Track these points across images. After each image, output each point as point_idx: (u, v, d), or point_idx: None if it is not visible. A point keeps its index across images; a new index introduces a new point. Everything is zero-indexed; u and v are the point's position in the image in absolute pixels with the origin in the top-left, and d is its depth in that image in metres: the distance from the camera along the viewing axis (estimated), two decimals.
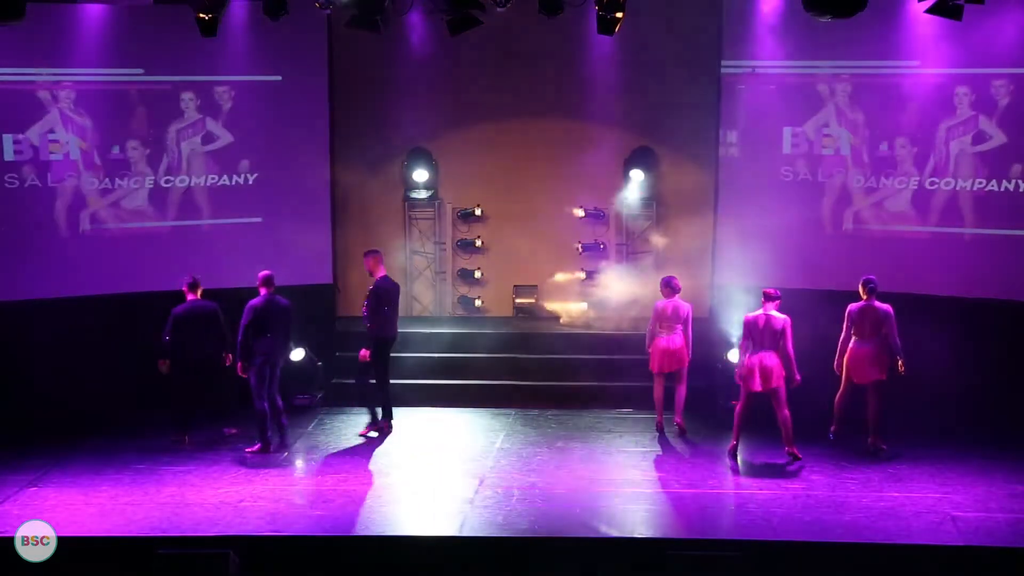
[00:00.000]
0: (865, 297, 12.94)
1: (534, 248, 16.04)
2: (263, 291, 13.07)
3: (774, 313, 12.64)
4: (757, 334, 12.64)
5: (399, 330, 14.00)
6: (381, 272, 13.74)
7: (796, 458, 12.63)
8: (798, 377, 12.62)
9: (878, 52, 14.23)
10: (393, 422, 13.80)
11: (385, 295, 13.68)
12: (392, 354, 13.93)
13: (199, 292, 13.48)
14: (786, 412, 12.63)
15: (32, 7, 12.39)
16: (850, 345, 13.00)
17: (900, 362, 12.75)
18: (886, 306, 12.90)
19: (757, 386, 12.59)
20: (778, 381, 12.57)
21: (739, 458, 12.79)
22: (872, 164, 14.45)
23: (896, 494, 11.77)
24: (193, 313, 13.34)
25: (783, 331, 12.56)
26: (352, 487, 12.03)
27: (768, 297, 12.73)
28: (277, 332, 13.04)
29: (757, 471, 12.48)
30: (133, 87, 14.49)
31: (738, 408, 12.82)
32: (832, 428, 13.19)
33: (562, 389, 15.20)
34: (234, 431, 13.53)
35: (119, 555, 10.52)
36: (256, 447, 13.01)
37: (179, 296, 13.68)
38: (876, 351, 12.89)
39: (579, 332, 15.86)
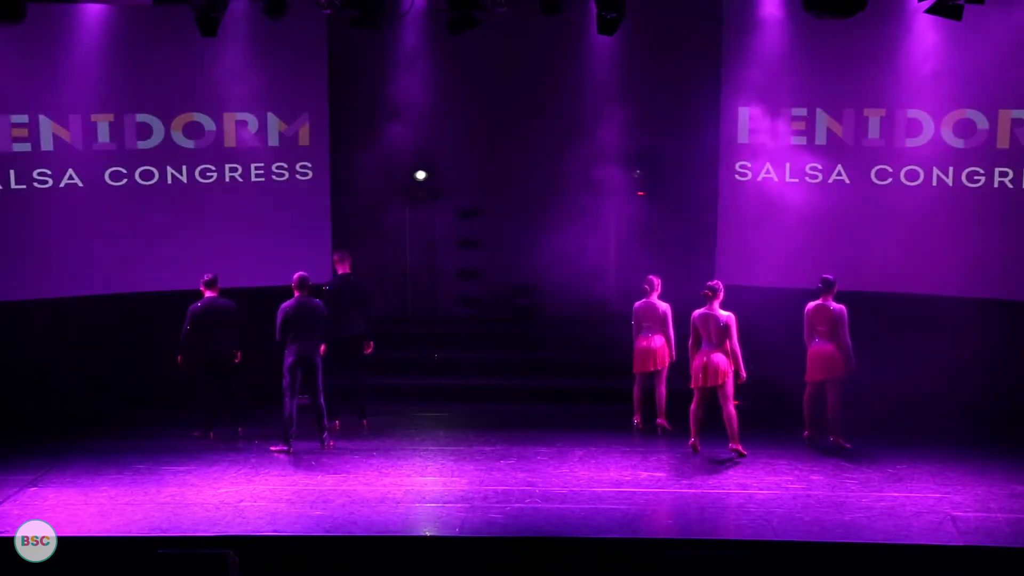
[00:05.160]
0: (820, 296, 13.04)
1: (534, 247, 16.01)
2: (296, 293, 13.16)
3: (718, 310, 12.74)
4: (703, 331, 12.77)
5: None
6: (339, 270, 13.93)
7: (741, 455, 12.72)
8: (744, 374, 12.78)
9: (878, 53, 14.21)
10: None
11: (333, 294, 13.70)
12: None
13: (217, 289, 13.62)
14: (731, 409, 12.75)
15: (32, 7, 12.40)
16: (812, 344, 13.14)
17: (850, 362, 12.94)
18: (840, 306, 13.04)
19: (700, 381, 12.76)
20: (723, 378, 12.67)
21: (700, 452, 12.93)
22: (873, 163, 14.43)
23: (896, 494, 11.78)
24: (209, 310, 13.47)
25: (727, 327, 12.66)
26: (352, 487, 12.03)
27: (709, 295, 12.78)
28: (310, 334, 13.09)
29: (756, 471, 12.47)
30: (133, 86, 14.47)
31: (692, 406, 12.96)
32: (805, 432, 13.25)
33: (562, 388, 15.23)
34: (241, 430, 13.62)
35: (119, 555, 10.52)
36: (281, 446, 13.06)
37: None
38: (832, 350, 12.99)
39: (580, 331, 15.88)
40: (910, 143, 14.28)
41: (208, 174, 14.88)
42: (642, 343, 13.77)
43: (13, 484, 11.96)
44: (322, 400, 13.19)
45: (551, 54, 15.63)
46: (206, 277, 13.68)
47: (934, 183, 14.23)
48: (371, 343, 13.92)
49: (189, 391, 13.86)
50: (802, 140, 14.62)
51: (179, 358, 13.66)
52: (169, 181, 14.74)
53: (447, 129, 15.97)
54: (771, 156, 14.70)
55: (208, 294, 13.63)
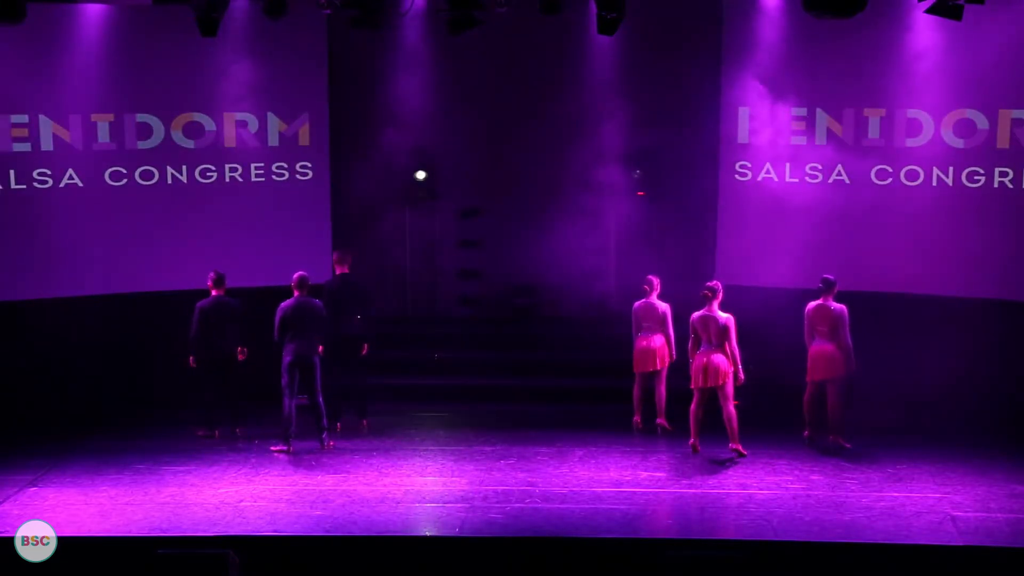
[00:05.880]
0: (820, 296, 13.06)
1: (534, 247, 16.01)
2: (296, 293, 13.19)
3: (718, 311, 12.76)
4: (703, 332, 12.80)
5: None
6: (338, 270, 13.91)
7: (741, 455, 12.74)
8: (742, 376, 12.80)
9: (878, 53, 14.20)
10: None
11: (330, 294, 13.71)
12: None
13: (224, 288, 13.65)
14: (731, 409, 12.77)
15: (32, 7, 12.40)
16: (812, 344, 13.16)
17: (851, 362, 12.96)
18: (840, 305, 13.06)
19: (700, 382, 12.79)
20: (723, 378, 12.70)
21: (700, 452, 12.95)
22: (873, 163, 14.42)
23: (896, 494, 11.78)
24: (216, 308, 13.50)
25: (726, 328, 12.68)
26: (352, 487, 12.03)
27: (708, 295, 12.79)
28: (309, 334, 13.12)
29: (756, 471, 12.47)
30: (133, 86, 14.47)
31: (692, 406, 12.98)
32: (805, 432, 13.26)
33: (562, 388, 15.23)
34: (240, 430, 13.65)
35: (119, 555, 10.52)
36: (281, 446, 13.08)
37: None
38: (833, 350, 13.00)
39: (580, 331, 15.89)
40: (910, 143, 14.28)
41: (208, 174, 14.87)
42: (642, 343, 13.79)
43: (13, 484, 11.97)
44: (321, 400, 13.20)
45: (551, 54, 15.61)
46: (213, 275, 13.66)
47: (934, 183, 14.23)
48: (366, 345, 13.90)
49: (191, 390, 13.86)
50: (802, 140, 14.62)
51: (191, 359, 13.63)
52: (169, 181, 14.74)
53: (447, 129, 15.96)
54: (771, 156, 14.71)
55: (215, 292, 13.63)
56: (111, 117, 14.48)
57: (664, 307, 13.72)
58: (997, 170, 13.98)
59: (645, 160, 16.00)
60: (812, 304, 13.21)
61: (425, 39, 15.09)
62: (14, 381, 14.30)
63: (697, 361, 12.87)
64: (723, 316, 12.75)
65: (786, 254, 14.46)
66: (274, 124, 14.96)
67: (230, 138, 14.86)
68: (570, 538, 10.72)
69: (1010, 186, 13.95)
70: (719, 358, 12.73)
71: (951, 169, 14.14)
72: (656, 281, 13.80)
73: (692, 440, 13.00)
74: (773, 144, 14.67)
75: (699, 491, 11.98)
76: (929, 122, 14.14)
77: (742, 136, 14.83)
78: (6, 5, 12.12)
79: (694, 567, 9.87)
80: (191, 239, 14.75)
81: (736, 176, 14.89)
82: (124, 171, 14.59)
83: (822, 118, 14.53)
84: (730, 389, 12.76)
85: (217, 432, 13.56)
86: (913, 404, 13.83)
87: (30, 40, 13.72)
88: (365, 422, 13.94)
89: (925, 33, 13.78)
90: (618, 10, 13.06)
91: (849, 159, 14.45)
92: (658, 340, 13.72)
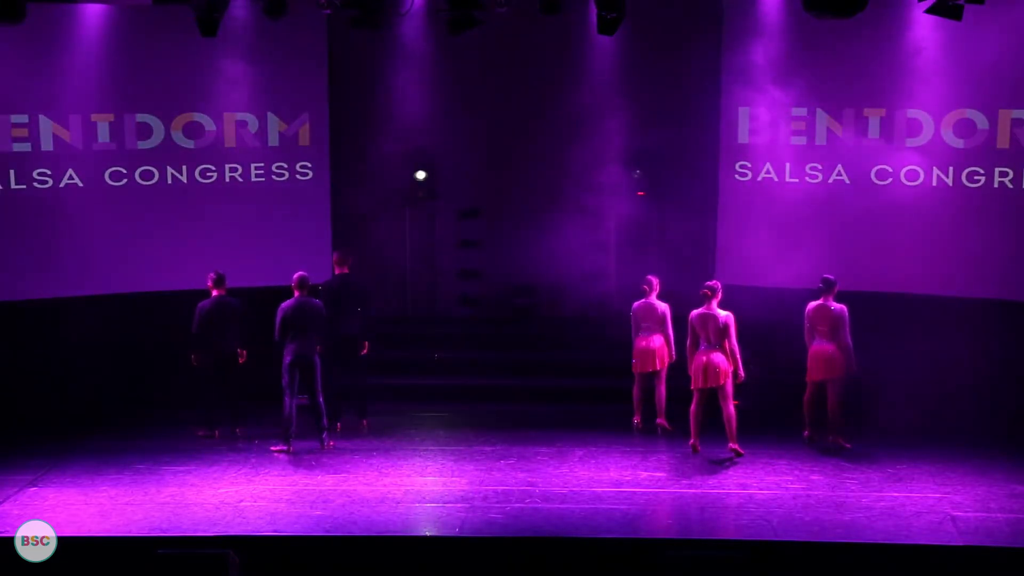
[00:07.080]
0: (820, 296, 13.06)
1: (534, 248, 16.02)
2: (296, 293, 13.20)
3: (717, 309, 12.75)
4: (702, 331, 12.78)
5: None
6: (338, 270, 13.91)
7: (739, 454, 12.74)
8: (742, 374, 12.80)
9: (878, 53, 14.21)
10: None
11: (329, 294, 13.71)
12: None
13: (224, 288, 13.64)
14: (731, 409, 12.76)
15: (32, 7, 12.41)
16: (812, 344, 13.16)
17: (851, 362, 12.97)
18: (840, 305, 13.07)
19: (700, 383, 12.78)
20: (723, 378, 12.69)
21: (700, 452, 12.94)
22: (873, 163, 14.42)
23: (896, 494, 11.78)
24: (217, 308, 13.50)
25: (726, 327, 12.67)
26: (352, 487, 12.03)
27: (707, 294, 12.79)
28: (309, 334, 13.11)
29: (756, 471, 12.47)
30: (133, 86, 14.47)
31: (692, 407, 12.97)
32: (805, 432, 13.26)
33: (562, 388, 15.24)
34: (240, 430, 13.65)
35: (119, 555, 10.52)
36: (281, 446, 13.09)
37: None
38: (832, 350, 13.01)
39: (580, 331, 15.89)
40: (910, 143, 14.28)
41: (208, 174, 14.88)
42: (641, 343, 13.79)
43: (13, 484, 11.96)
44: (321, 400, 13.21)
45: (551, 54, 15.62)
46: (213, 275, 13.65)
47: (934, 183, 14.23)
48: (366, 344, 13.91)
49: (191, 390, 13.86)
50: (802, 140, 14.63)
51: (193, 357, 13.63)
52: (169, 181, 14.74)
53: (447, 129, 15.97)
54: (771, 156, 14.72)
55: (215, 292, 13.63)
56: (111, 117, 14.49)
57: (663, 307, 13.72)
58: (997, 170, 13.99)
59: (645, 160, 16.00)
60: (812, 304, 13.21)
61: (425, 39, 15.10)
62: (14, 381, 14.31)
63: (696, 361, 12.86)
64: (723, 314, 12.74)
65: (786, 254, 14.45)
66: (274, 124, 14.97)
67: (230, 138, 14.87)
68: (570, 538, 10.72)
69: (1010, 186, 13.95)
70: (718, 357, 12.72)
71: (951, 169, 14.15)
72: (655, 281, 13.81)
73: (692, 440, 13.00)
74: (773, 144, 14.68)
75: (699, 491, 11.98)
76: (929, 122, 14.15)
77: (742, 136, 14.84)
78: (6, 5, 12.13)
79: (694, 567, 9.87)
80: (191, 239, 14.75)
81: (736, 176, 14.89)
82: (124, 171, 14.59)
83: (822, 118, 14.54)
84: (730, 389, 12.76)
85: (217, 432, 13.56)
86: (913, 404, 13.81)
87: (30, 40, 13.73)
88: (365, 422, 13.95)
89: (925, 33, 13.78)
90: (618, 10, 13.07)
91: (849, 159, 14.46)
92: (658, 340, 13.73)
